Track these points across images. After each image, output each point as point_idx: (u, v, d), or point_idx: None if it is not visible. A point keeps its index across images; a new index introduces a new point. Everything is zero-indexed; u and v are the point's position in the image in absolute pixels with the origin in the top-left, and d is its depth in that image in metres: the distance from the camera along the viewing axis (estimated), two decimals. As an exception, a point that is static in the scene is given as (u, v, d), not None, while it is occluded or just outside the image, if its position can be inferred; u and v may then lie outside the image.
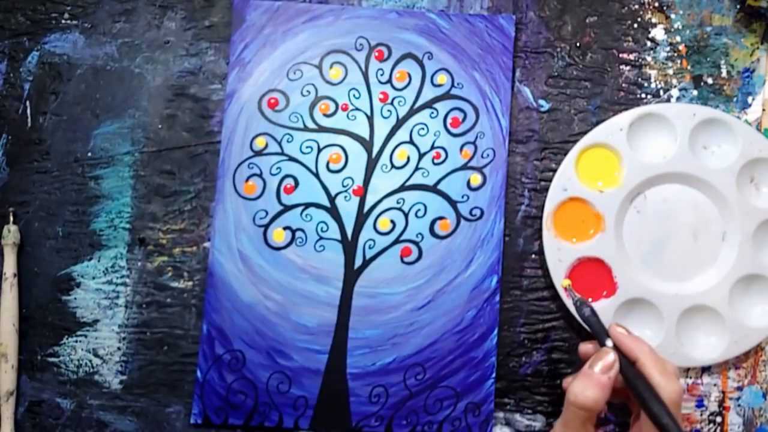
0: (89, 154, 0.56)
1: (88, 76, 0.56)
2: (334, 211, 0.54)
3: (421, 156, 0.55)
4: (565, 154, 0.54)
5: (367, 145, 0.55)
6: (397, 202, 0.55)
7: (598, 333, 0.46)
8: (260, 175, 0.55)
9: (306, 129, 0.55)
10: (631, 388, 0.44)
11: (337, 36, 0.56)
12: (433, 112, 0.55)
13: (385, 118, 0.55)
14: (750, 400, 0.54)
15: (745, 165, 0.54)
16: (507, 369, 0.54)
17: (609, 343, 0.45)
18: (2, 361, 0.53)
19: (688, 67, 0.57)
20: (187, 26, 0.57)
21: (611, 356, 0.44)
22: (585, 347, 0.48)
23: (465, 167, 0.55)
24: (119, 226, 0.55)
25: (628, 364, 0.44)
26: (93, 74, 0.56)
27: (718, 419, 0.54)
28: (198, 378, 0.53)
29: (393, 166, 0.55)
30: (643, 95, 0.56)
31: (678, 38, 0.57)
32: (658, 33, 0.57)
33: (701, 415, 0.54)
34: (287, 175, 0.55)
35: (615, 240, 0.54)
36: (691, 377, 0.54)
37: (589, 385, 0.43)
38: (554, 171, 0.55)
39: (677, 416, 0.42)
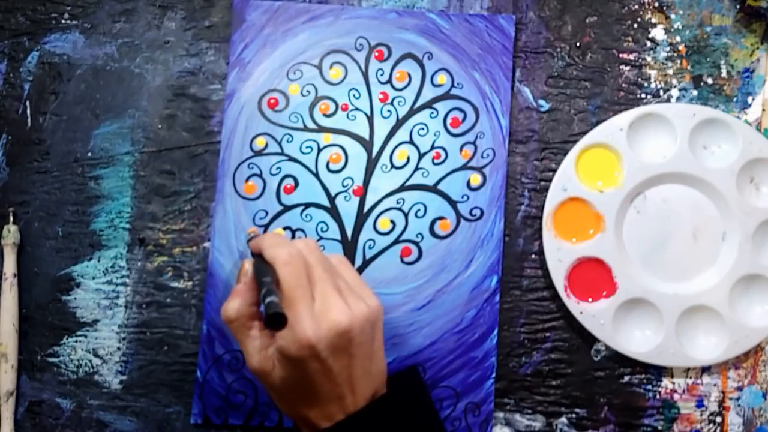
0: (89, 154, 0.56)
1: (88, 76, 0.56)
2: (334, 211, 0.55)
3: (421, 156, 0.55)
4: (565, 154, 0.55)
5: (367, 145, 0.55)
6: (397, 202, 0.55)
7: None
8: (260, 175, 0.55)
9: (306, 129, 0.55)
10: (255, 277, 0.44)
11: (337, 36, 0.56)
12: (433, 112, 0.55)
13: (385, 118, 0.55)
14: (750, 400, 0.54)
15: (745, 165, 0.54)
16: (507, 369, 0.54)
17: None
18: (2, 361, 0.53)
19: (688, 67, 0.57)
20: (187, 26, 0.57)
21: (245, 264, 0.45)
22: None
23: (465, 167, 0.55)
24: (119, 226, 0.55)
25: (258, 261, 0.44)
26: (93, 74, 0.56)
27: (718, 419, 0.54)
28: (198, 378, 0.53)
29: (393, 166, 0.55)
30: (643, 95, 0.56)
31: (678, 38, 0.57)
32: (658, 33, 0.57)
33: (701, 415, 0.54)
34: (287, 175, 0.55)
35: (615, 240, 0.54)
36: (691, 377, 0.54)
37: (229, 300, 0.43)
38: (554, 171, 0.55)
39: (295, 273, 0.41)
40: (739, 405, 0.54)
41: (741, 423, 0.54)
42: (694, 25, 0.57)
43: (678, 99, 0.56)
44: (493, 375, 0.53)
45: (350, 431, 0.41)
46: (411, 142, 0.55)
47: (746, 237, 0.53)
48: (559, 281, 0.53)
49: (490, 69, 0.56)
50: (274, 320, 0.39)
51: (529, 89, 0.56)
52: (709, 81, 0.56)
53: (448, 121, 0.55)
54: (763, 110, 0.56)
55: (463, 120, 0.55)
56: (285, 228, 0.54)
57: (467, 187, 0.55)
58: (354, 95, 0.56)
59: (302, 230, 0.54)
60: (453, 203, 0.55)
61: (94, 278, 0.55)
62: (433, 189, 0.55)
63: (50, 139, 0.56)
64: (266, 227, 0.54)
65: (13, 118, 0.56)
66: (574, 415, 0.54)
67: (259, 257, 0.45)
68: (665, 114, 0.54)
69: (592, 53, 0.57)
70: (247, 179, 0.55)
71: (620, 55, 0.57)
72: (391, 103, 0.55)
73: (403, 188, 0.55)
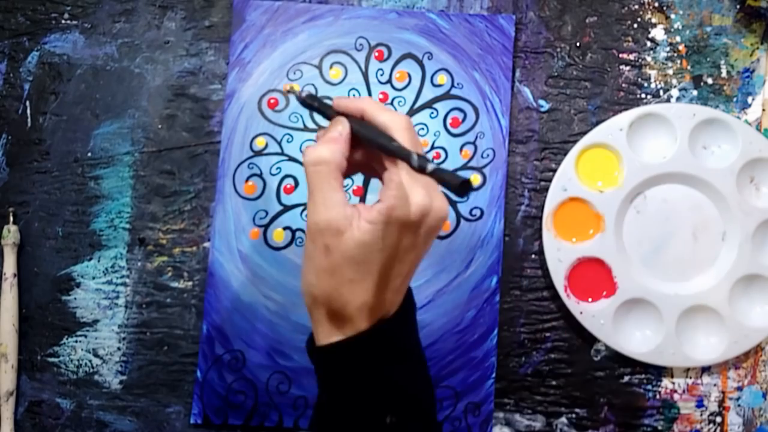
0: (89, 154, 0.56)
1: (88, 76, 0.56)
2: (334, 211, 0.54)
3: (421, 156, 0.55)
4: (565, 154, 0.54)
5: (367, 145, 0.55)
6: (397, 202, 0.55)
7: (324, 111, 0.44)
8: (260, 175, 0.55)
9: (306, 129, 0.55)
10: (366, 139, 0.41)
11: (337, 36, 0.56)
12: (433, 113, 0.55)
13: (385, 118, 0.55)
14: (750, 400, 0.54)
15: (745, 165, 0.54)
16: (507, 369, 0.54)
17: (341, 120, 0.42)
18: (2, 361, 0.53)
19: (688, 67, 0.57)
20: (187, 26, 0.57)
21: (339, 120, 0.42)
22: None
23: (465, 167, 0.55)
24: (119, 226, 0.55)
25: (357, 122, 0.42)
26: (93, 74, 0.56)
27: (718, 419, 0.54)
28: (198, 378, 0.53)
29: (393, 166, 0.55)
30: (643, 95, 0.56)
31: (678, 38, 0.57)
32: (658, 33, 0.57)
33: (701, 415, 0.54)
34: (287, 175, 0.55)
35: (615, 240, 0.54)
36: (691, 377, 0.54)
37: (321, 144, 0.40)
38: (554, 171, 0.55)
39: (413, 140, 0.40)
40: (739, 405, 0.54)
41: (741, 423, 0.54)
42: (694, 25, 0.57)
43: (678, 99, 0.56)
44: (493, 375, 0.53)
45: (372, 342, 0.39)
46: (411, 142, 0.55)
47: (746, 237, 0.53)
48: (559, 281, 0.53)
49: (490, 69, 0.56)
50: (466, 188, 0.35)
51: (529, 89, 0.56)
52: (709, 81, 0.56)
53: (448, 121, 0.55)
54: (763, 110, 0.56)
55: (463, 120, 0.55)
56: (285, 228, 0.54)
57: (467, 187, 0.55)
58: (354, 95, 0.56)
59: (302, 230, 0.54)
60: (453, 203, 0.55)
61: (94, 278, 0.55)
62: (433, 189, 0.55)
63: (50, 139, 0.56)
64: (266, 227, 0.54)
65: (13, 118, 0.56)
66: (574, 415, 0.54)
67: (356, 119, 0.42)
68: (665, 114, 0.54)
69: (592, 53, 0.57)
70: (247, 179, 0.55)
71: (620, 55, 0.57)
72: (391, 103, 0.55)
73: (403, 188, 0.55)
